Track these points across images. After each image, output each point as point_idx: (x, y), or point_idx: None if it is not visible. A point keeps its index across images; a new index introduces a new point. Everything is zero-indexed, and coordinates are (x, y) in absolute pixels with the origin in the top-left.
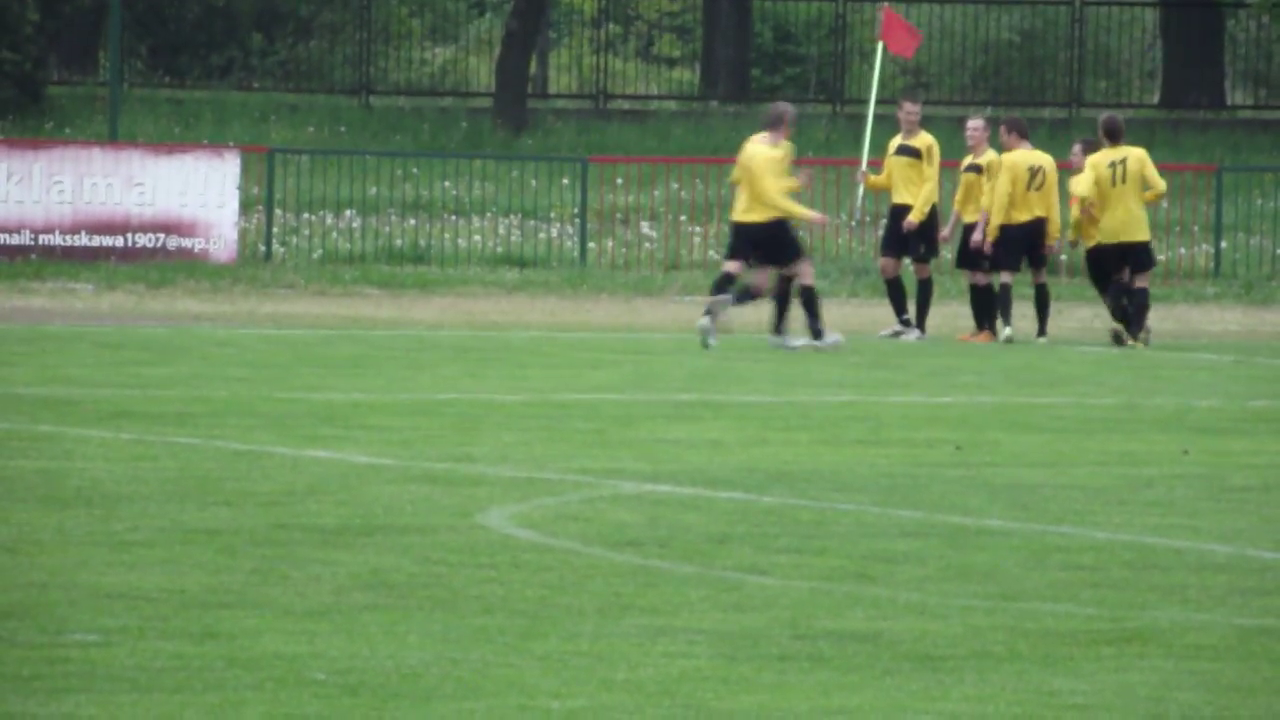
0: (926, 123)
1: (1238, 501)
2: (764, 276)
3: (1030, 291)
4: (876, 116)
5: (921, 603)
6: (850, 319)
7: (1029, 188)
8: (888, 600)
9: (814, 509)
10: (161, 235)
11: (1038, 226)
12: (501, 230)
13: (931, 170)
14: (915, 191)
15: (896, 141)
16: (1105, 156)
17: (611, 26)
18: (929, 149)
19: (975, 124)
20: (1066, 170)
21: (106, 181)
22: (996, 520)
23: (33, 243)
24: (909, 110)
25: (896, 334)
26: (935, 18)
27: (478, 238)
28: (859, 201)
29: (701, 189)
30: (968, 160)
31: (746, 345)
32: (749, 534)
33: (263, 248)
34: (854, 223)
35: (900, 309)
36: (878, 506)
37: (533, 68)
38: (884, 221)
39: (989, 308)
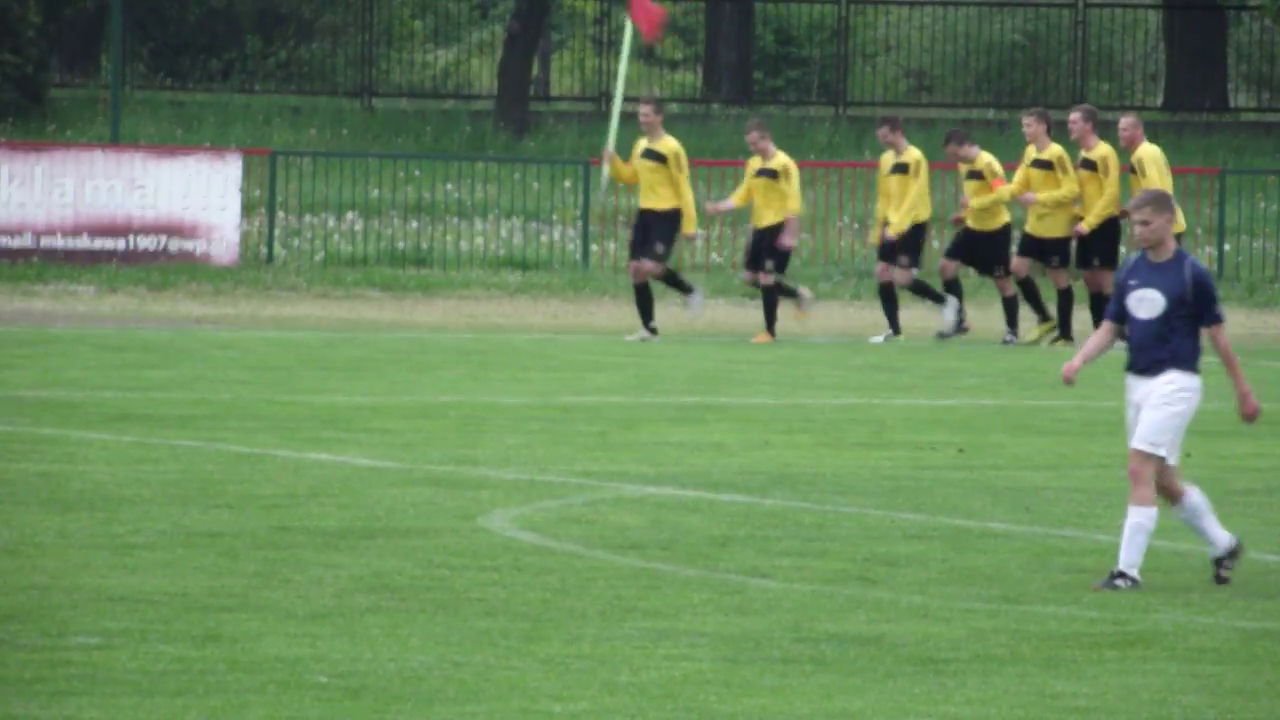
0: (929, 125)
1: (1240, 504)
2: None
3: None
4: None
5: (924, 605)
6: (852, 321)
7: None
8: (890, 603)
9: (816, 512)
10: (163, 238)
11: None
12: (504, 233)
13: (682, 176)
14: (663, 195)
15: (642, 144)
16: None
17: (613, 26)
18: (675, 155)
19: (1074, 116)
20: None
21: (108, 184)
22: (999, 523)
23: (34, 245)
24: (643, 113)
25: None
26: (939, 20)
27: (480, 240)
28: (604, 184)
29: (704, 191)
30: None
31: (745, 346)
32: (751, 537)
33: (264, 250)
34: (598, 200)
35: (646, 315)
36: (880, 509)
37: (535, 70)
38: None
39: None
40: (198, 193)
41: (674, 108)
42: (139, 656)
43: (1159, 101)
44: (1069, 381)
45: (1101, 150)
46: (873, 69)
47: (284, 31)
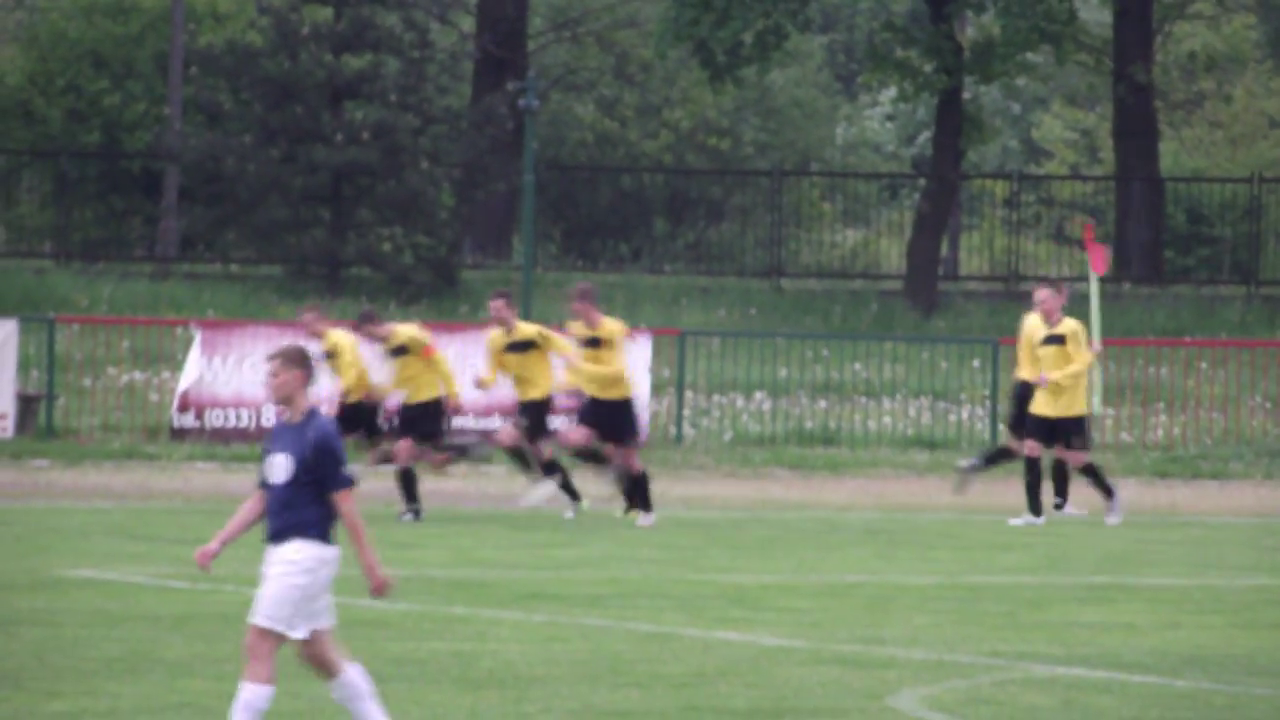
0: None
1: None
2: None
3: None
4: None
5: None
6: (1264, 501)
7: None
8: None
9: (1228, 694)
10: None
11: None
12: (912, 412)
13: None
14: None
15: (1041, 331)
16: None
17: (1022, 206)
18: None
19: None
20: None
21: None
22: None
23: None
24: (1042, 298)
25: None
26: None
27: (888, 419)
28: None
29: (1113, 371)
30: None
31: (1157, 525)
32: (1162, 719)
33: (673, 429)
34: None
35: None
36: None
37: (944, 249)
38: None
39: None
40: None
41: (1084, 286)
42: None
43: None
44: (203, 568)
45: None
46: None
47: (693, 213)
